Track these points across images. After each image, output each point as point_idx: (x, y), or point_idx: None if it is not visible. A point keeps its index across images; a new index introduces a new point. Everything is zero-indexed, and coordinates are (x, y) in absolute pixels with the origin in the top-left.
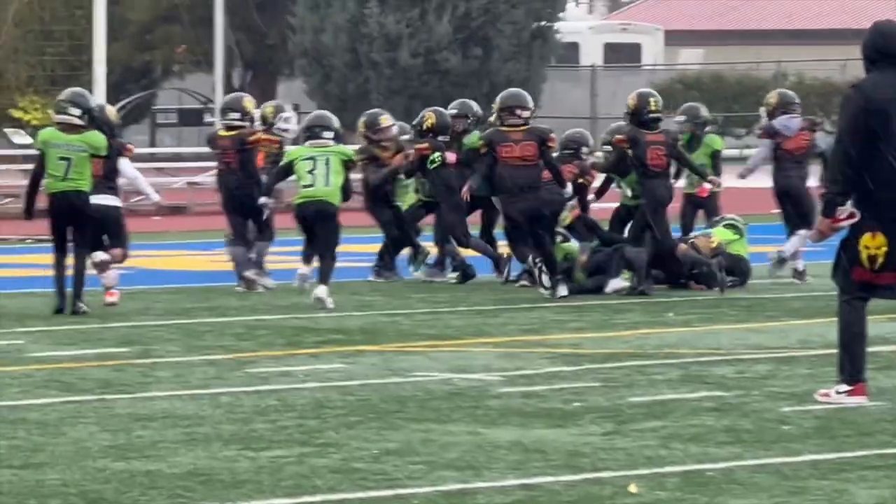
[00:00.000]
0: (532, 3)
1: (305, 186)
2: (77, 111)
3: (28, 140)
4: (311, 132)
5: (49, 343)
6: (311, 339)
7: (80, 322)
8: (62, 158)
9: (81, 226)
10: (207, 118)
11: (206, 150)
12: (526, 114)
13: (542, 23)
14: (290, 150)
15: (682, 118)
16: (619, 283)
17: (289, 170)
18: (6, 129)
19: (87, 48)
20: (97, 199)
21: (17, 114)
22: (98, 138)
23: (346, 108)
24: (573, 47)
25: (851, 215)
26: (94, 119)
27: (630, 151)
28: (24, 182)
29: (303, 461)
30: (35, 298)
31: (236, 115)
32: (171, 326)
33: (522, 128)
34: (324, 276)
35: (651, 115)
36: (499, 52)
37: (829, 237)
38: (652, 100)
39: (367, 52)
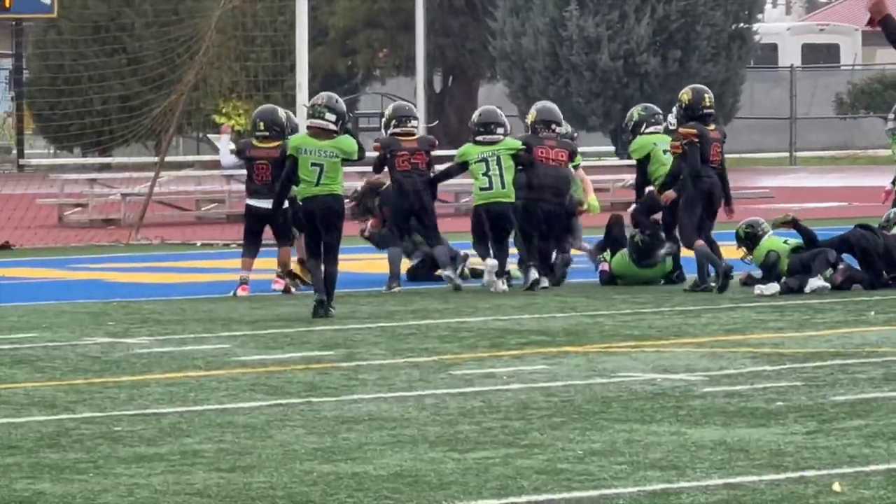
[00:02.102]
0: (730, 5)
1: (483, 189)
2: (333, 116)
3: (231, 146)
4: (486, 128)
5: (255, 347)
6: (514, 341)
7: (285, 325)
8: (314, 164)
9: (336, 228)
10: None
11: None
12: (560, 129)
13: (741, 24)
14: (462, 150)
15: (891, 116)
16: (819, 282)
17: (462, 169)
18: (210, 135)
19: (290, 54)
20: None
21: (220, 119)
22: (350, 143)
23: None
24: (772, 48)
25: None
26: (345, 125)
27: (698, 146)
28: (228, 187)
29: (508, 462)
30: (240, 303)
31: (416, 123)
32: (375, 329)
33: (556, 138)
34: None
35: (706, 111)
36: (698, 53)
37: None
38: (706, 96)
39: (567, 55)
